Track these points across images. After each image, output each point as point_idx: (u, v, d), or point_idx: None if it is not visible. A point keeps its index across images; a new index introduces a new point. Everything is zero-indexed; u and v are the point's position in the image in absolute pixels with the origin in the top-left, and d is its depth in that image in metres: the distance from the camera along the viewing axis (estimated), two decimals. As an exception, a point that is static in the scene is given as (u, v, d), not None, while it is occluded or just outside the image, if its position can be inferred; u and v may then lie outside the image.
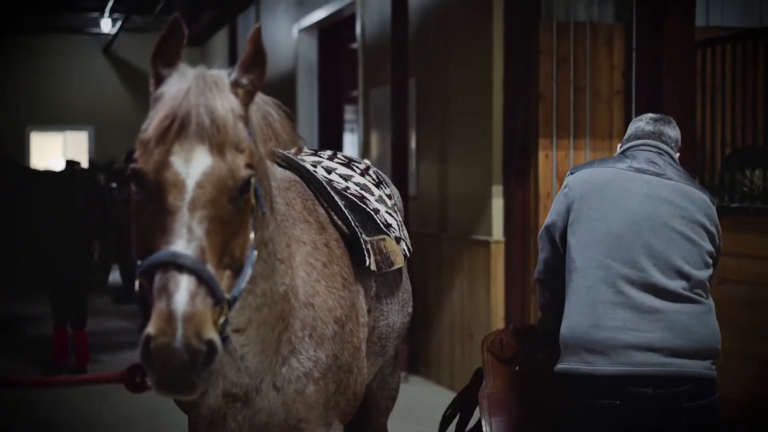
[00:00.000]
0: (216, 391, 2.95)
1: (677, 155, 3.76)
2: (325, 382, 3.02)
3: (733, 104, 7.15)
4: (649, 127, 3.76)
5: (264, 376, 2.94)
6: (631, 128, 3.83)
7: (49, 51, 20.53)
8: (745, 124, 7.11)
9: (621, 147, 3.84)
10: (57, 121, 20.91)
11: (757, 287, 6.72)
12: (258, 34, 2.49)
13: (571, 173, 3.67)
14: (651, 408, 3.37)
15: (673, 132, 3.79)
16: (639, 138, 3.74)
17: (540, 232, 3.72)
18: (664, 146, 3.69)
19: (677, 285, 3.39)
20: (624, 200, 3.46)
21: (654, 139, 3.71)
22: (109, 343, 10.07)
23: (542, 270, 3.75)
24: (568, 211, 3.56)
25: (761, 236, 6.67)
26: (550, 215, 3.66)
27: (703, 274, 3.45)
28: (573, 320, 3.44)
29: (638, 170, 3.55)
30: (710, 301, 3.49)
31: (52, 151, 20.88)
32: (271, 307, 2.84)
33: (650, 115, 3.89)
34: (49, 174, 13.48)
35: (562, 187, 3.65)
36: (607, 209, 3.46)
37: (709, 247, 3.49)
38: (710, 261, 3.50)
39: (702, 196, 3.52)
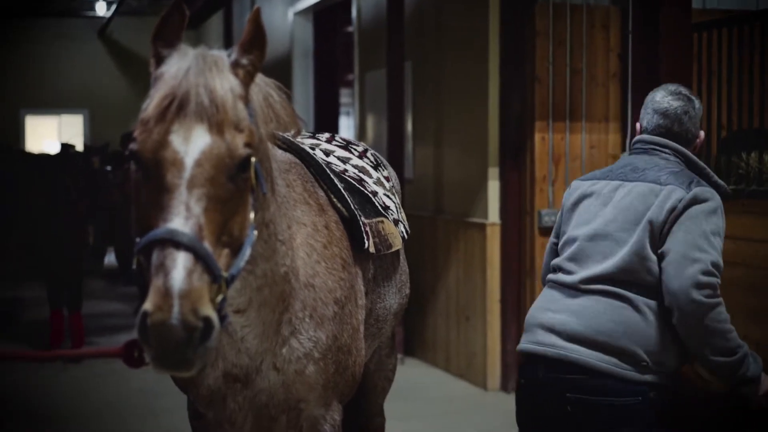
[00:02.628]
0: (216, 371, 2.96)
1: (697, 138, 3.53)
2: (324, 362, 3.03)
3: (729, 87, 7.16)
4: (658, 119, 3.48)
5: (264, 357, 2.95)
6: (645, 115, 3.54)
7: (44, 34, 20.47)
8: (741, 107, 7.11)
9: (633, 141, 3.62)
10: (52, 104, 20.86)
11: (752, 270, 6.74)
12: (258, 14, 2.51)
13: (568, 188, 3.62)
14: (541, 393, 3.26)
15: (687, 117, 3.48)
16: (646, 132, 3.51)
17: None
18: (664, 142, 3.44)
19: (602, 285, 3.25)
20: (585, 216, 3.41)
21: (657, 134, 3.47)
22: (104, 326, 10.08)
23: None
24: (560, 225, 3.59)
25: (757, 218, 6.69)
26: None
27: (635, 275, 3.21)
28: None
29: (613, 179, 3.41)
30: (647, 300, 3.21)
31: (47, 134, 20.84)
32: (272, 287, 2.85)
33: (668, 97, 3.51)
34: (42, 157, 13.48)
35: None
36: (572, 226, 3.45)
37: (647, 247, 3.22)
38: (651, 258, 3.22)
39: (670, 190, 3.23)
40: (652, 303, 3.21)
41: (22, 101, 20.61)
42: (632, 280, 3.22)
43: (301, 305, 2.98)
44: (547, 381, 3.25)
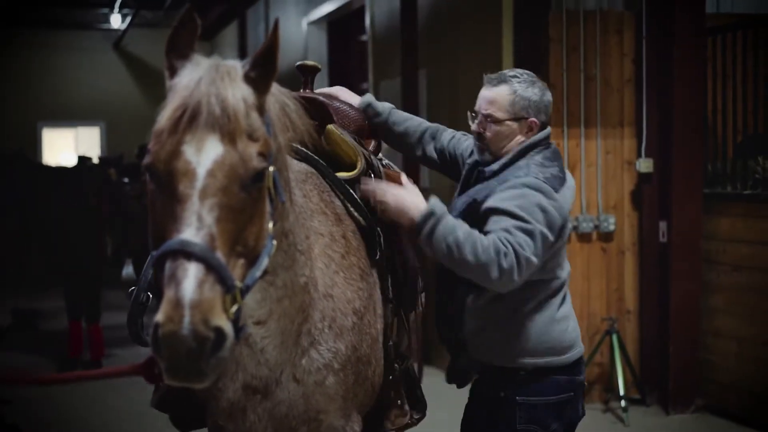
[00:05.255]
0: (236, 383, 2.94)
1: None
2: (344, 373, 3.02)
3: (744, 91, 7.15)
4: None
5: (284, 368, 2.93)
6: (544, 112, 3.36)
7: (60, 47, 20.56)
8: (757, 111, 7.10)
9: (534, 137, 3.33)
10: (68, 116, 20.94)
11: (770, 274, 6.72)
12: (277, 26, 2.50)
13: (555, 190, 3.20)
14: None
15: None
16: (543, 129, 3.37)
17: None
18: None
19: None
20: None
21: None
22: (123, 337, 9.96)
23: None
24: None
25: (774, 223, 6.68)
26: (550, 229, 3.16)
27: None
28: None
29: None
30: None
31: (64, 146, 20.92)
32: (292, 298, 2.84)
33: (528, 78, 3.35)
34: (60, 170, 13.55)
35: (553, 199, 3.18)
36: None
37: None
38: None
39: None
40: None
41: (39, 114, 20.70)
42: None
43: (320, 316, 2.97)
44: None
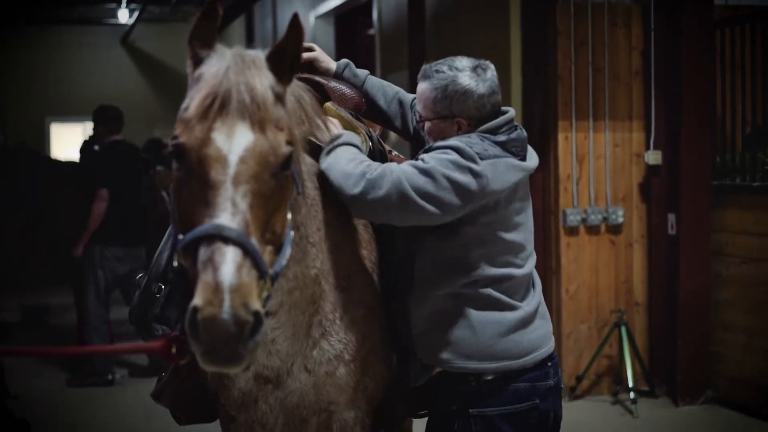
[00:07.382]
0: (247, 374, 2.95)
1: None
2: (355, 364, 3.02)
3: (753, 83, 7.14)
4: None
5: (295, 359, 2.95)
6: (460, 102, 3.17)
7: (67, 42, 20.57)
8: (766, 103, 7.09)
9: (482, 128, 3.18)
10: (76, 111, 20.92)
11: (780, 266, 6.71)
12: (297, 18, 2.53)
13: (480, 157, 3.02)
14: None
15: None
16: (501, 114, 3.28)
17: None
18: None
19: None
20: None
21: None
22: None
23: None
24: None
25: (783, 215, 6.66)
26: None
27: None
28: None
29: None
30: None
31: (72, 141, 20.94)
32: (303, 290, 2.87)
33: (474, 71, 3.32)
34: (67, 164, 13.56)
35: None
36: None
37: None
38: None
39: None
40: None
41: (47, 109, 20.72)
42: None
43: (331, 307, 2.98)
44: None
